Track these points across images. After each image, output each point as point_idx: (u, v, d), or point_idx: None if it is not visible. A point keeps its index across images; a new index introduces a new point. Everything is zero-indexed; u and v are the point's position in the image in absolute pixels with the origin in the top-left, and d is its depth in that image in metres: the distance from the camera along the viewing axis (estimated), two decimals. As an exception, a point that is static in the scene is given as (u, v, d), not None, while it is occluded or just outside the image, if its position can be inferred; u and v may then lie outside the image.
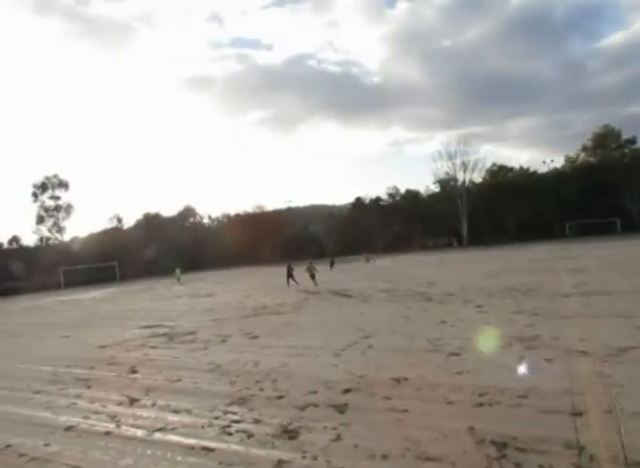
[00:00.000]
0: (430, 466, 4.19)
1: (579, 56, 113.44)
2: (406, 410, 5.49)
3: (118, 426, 5.99)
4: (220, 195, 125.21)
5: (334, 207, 78.94)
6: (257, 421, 5.63)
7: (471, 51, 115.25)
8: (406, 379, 6.65)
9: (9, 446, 5.69)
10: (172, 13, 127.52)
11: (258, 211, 63.97)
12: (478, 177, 62.80)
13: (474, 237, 52.96)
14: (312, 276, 22.50)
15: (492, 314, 11.14)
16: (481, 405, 5.44)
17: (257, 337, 10.97)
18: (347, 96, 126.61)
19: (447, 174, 62.48)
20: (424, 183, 72.22)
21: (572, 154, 63.15)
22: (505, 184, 57.38)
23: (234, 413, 5.96)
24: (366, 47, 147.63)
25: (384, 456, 4.44)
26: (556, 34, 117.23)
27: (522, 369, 6.67)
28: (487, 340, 8.57)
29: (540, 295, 13.30)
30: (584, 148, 62.08)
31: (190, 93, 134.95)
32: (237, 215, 65.65)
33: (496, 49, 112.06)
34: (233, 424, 5.60)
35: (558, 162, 64.41)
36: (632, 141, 59.15)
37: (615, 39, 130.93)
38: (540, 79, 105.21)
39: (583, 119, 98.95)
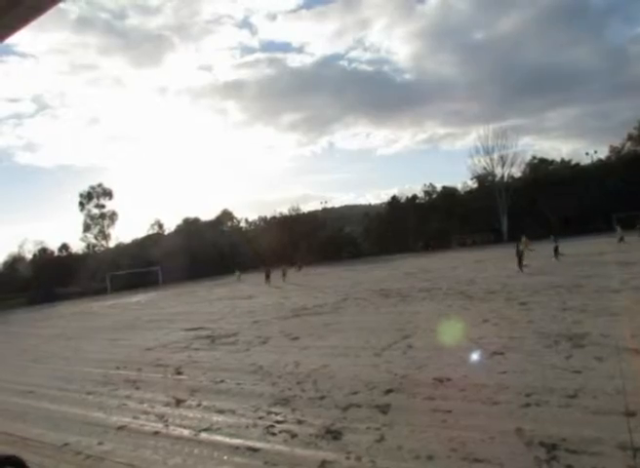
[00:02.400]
0: (478, 467, 4.11)
1: (620, 41, 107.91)
2: (450, 411, 5.41)
3: (166, 426, 6.18)
4: (256, 198, 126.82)
5: (369, 206, 78.48)
6: (300, 422, 5.68)
7: (506, 42, 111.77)
8: (449, 379, 6.55)
9: (67, 444, 5.98)
10: (203, 22, 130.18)
11: (293, 213, 64.48)
12: (517, 172, 60.89)
13: (515, 233, 51.33)
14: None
15: (537, 311, 10.79)
16: (528, 405, 5.29)
17: (297, 338, 11.06)
18: (379, 94, 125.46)
19: (484, 169, 60.92)
20: (461, 180, 70.61)
21: (617, 144, 60.34)
22: (547, 178, 55.31)
23: (277, 414, 6.05)
24: (397, 44, 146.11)
25: (430, 457, 4.39)
26: (595, 20, 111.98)
27: (569, 367, 6.43)
28: (532, 338, 8.31)
29: (587, 292, 12.77)
30: (630, 137, 59.01)
31: (224, 99, 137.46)
32: (273, 218, 66.34)
33: (532, 38, 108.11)
34: (277, 424, 5.68)
35: (602, 153, 61.67)
36: None
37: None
38: (580, 67, 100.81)
39: (628, 107, 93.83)
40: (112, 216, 60.15)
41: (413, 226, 56.12)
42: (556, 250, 23.44)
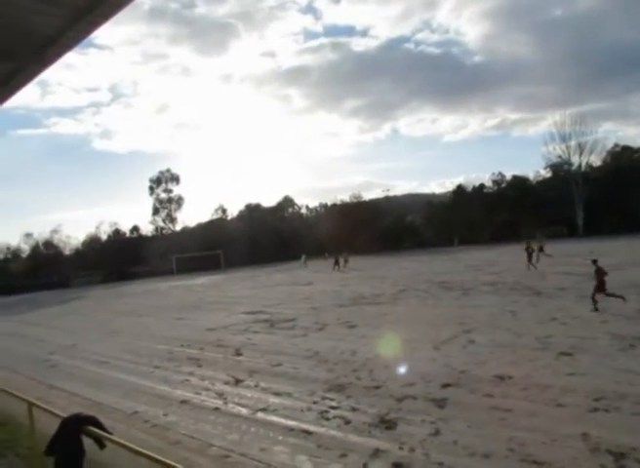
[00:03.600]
0: (537, 470, 3.95)
1: None
2: (510, 410, 5.21)
3: (225, 403, 6.46)
4: (317, 185, 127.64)
5: (433, 195, 76.54)
6: (354, 409, 5.72)
7: (587, 19, 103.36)
8: (510, 377, 6.31)
9: (136, 412, 6.43)
10: (268, 8, 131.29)
11: (355, 200, 64.25)
12: (597, 160, 56.60)
13: (592, 226, 48.09)
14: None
15: (611, 311, 10.09)
16: (597, 410, 4.99)
17: (354, 327, 11.09)
18: (447, 77, 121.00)
19: (560, 157, 57.18)
20: (534, 168, 66.82)
21: None
22: (631, 167, 50.99)
23: (332, 399, 6.12)
24: (466, 25, 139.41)
25: (486, 455, 4.27)
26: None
27: (648, 374, 5.97)
28: (604, 340, 7.79)
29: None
30: None
31: (286, 85, 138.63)
32: (334, 205, 66.45)
33: (615, 15, 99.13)
34: (331, 410, 5.76)
35: (695, 139, 55.96)
36: None
37: None
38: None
39: None
40: (179, 201, 62.87)
41: (479, 217, 54.12)
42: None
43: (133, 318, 17.48)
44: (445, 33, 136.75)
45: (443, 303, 13.43)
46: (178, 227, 63.91)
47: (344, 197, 66.26)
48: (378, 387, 6.48)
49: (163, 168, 65.50)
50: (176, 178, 62.70)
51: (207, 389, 7.23)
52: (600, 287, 10.72)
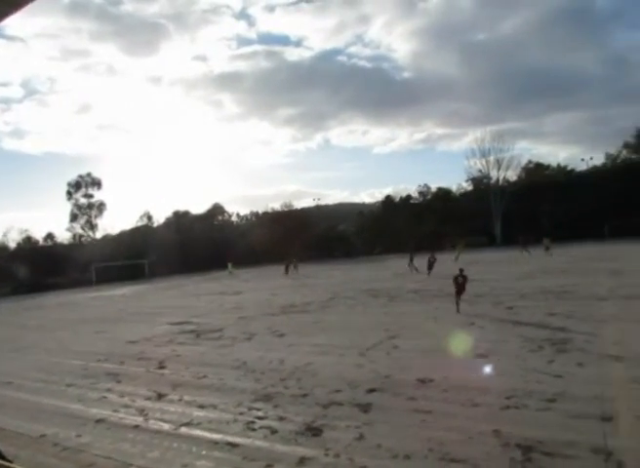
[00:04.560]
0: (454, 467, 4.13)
1: (622, 48, 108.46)
2: (430, 412, 5.43)
3: (146, 420, 6.15)
4: (249, 193, 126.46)
5: (363, 205, 78.58)
6: (281, 418, 5.68)
7: (508, 44, 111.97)
8: (431, 380, 6.58)
9: (43, 435, 5.92)
10: (200, 11, 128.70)
11: (286, 209, 64.34)
12: (513, 175, 61.17)
13: (508, 237, 51.60)
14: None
15: (523, 316, 10.87)
16: (508, 407, 5.33)
17: (283, 335, 11.05)
18: (378, 91, 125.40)
19: (480, 171, 61.13)
20: (457, 181, 70.73)
21: (613, 151, 60.82)
22: (542, 183, 55.58)
23: (259, 410, 6.04)
24: (397, 41, 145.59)
25: (407, 456, 4.41)
26: (599, 25, 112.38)
27: (552, 372, 6.49)
28: (516, 342, 8.37)
29: (574, 298, 12.88)
30: (626, 145, 59.43)
31: (218, 91, 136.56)
32: (266, 213, 66.13)
33: (534, 41, 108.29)
34: (257, 420, 5.67)
35: (598, 159, 62.11)
36: None
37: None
38: (581, 73, 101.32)
39: (627, 114, 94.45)
40: (100, 207, 59.25)
41: (406, 227, 56.24)
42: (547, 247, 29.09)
43: (45, 333, 16.19)
44: (376, 48, 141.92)
45: (370, 310, 13.76)
46: (98, 235, 60.29)
47: (276, 205, 66.25)
48: (305, 395, 6.49)
49: (83, 172, 61.59)
50: (97, 183, 59.18)
51: (126, 406, 6.85)
52: (459, 291, 12.51)
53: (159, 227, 62.33)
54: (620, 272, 17.73)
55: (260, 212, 68.55)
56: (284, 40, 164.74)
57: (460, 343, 8.62)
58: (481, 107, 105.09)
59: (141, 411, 6.50)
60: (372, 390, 6.43)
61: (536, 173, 61.20)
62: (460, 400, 5.73)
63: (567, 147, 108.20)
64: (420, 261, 25.07)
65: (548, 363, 6.93)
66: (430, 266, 23.27)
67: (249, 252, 54.30)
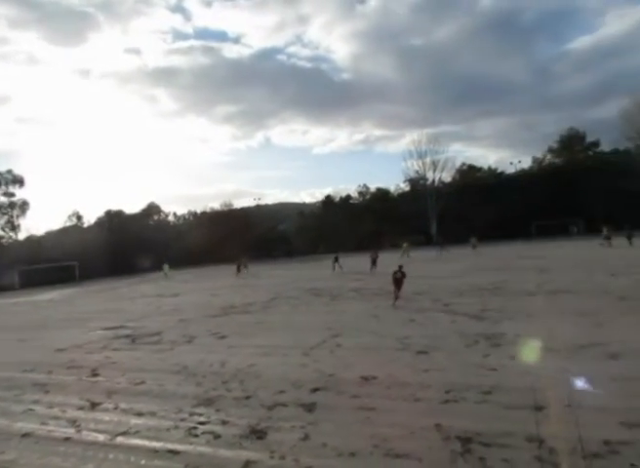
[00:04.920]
0: (398, 463, 4.22)
1: (546, 58, 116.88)
2: (374, 409, 5.51)
3: (78, 431, 5.77)
4: (187, 192, 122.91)
5: (304, 205, 78.82)
6: (224, 422, 5.54)
7: (443, 49, 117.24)
8: (375, 378, 6.69)
9: (-40, 454, 5.39)
10: (132, 1, 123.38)
11: (226, 209, 63.15)
12: (448, 177, 63.94)
13: (443, 236, 53.78)
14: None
15: (460, 312, 11.34)
16: (447, 401, 5.53)
17: (224, 337, 10.82)
18: (318, 91, 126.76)
19: (417, 173, 63.33)
20: (395, 182, 72.95)
21: (539, 155, 65.35)
22: (474, 184, 58.56)
23: (200, 415, 5.85)
24: (336, 43, 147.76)
25: (352, 454, 4.44)
26: (525, 36, 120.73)
27: (487, 365, 6.81)
28: (454, 338, 8.72)
29: (506, 294, 13.65)
30: (551, 150, 64.16)
31: (153, 86, 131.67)
32: (204, 213, 64.54)
33: (467, 48, 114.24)
34: (200, 426, 5.49)
35: (526, 163, 66.47)
36: (596, 144, 61.64)
37: (581, 43, 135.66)
38: (510, 80, 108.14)
39: (551, 121, 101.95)
40: (23, 206, 55.11)
41: (346, 227, 57.07)
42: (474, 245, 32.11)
43: (-40, 341, 14.79)
44: (316, 48, 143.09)
45: (313, 309, 13.81)
46: (21, 236, 56.09)
47: (216, 205, 64.90)
48: (248, 397, 6.37)
49: (3, 168, 57.00)
50: (19, 181, 54.92)
51: (56, 417, 6.39)
52: (397, 287, 13.42)
53: (90, 228, 59.09)
54: (546, 269, 19.02)
55: (199, 211, 66.88)
56: (222, 36, 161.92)
57: (402, 340, 8.85)
58: (417, 110, 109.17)
59: (73, 422, 6.09)
60: (316, 389, 6.43)
61: (469, 175, 64.38)
62: (402, 396, 5.87)
63: (497, 150, 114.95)
64: (357, 260, 25.54)
65: (484, 357, 7.27)
66: (374, 262, 23.95)
67: (187, 252, 52.83)
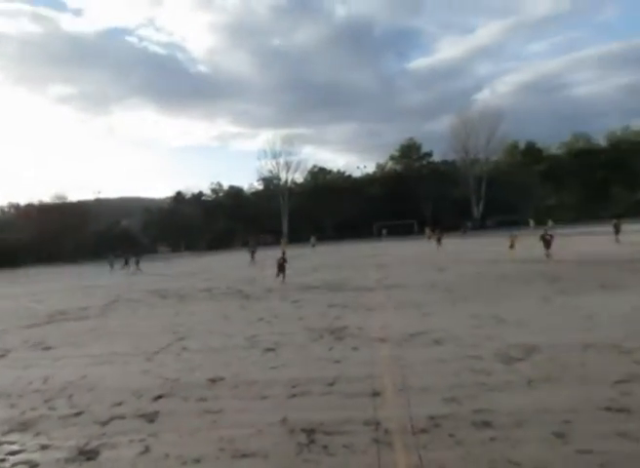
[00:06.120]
0: (244, 463, 4.13)
1: (392, 73, 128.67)
2: (221, 410, 5.34)
3: None
4: (10, 180, 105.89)
5: (151, 200, 74.11)
6: (44, 447, 4.79)
7: (300, 53, 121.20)
8: (222, 379, 6.50)
9: None
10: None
11: (58, 201, 55.95)
12: (300, 178, 66.32)
13: (295, 235, 55.51)
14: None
15: (307, 308, 11.73)
16: (294, 396, 5.62)
17: (49, 348, 9.49)
18: (171, 80, 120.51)
19: (271, 172, 64.29)
20: (249, 180, 73.20)
21: (382, 162, 71.87)
22: (324, 186, 61.77)
23: (13, 443, 4.96)
24: (192, 32, 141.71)
25: (197, 460, 4.23)
26: (375, 50, 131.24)
27: (331, 358, 7.13)
28: (301, 334, 8.96)
29: (349, 290, 14.59)
30: (392, 157, 71.22)
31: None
32: (30, 206, 56.28)
33: (323, 55, 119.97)
34: (9, 457, 4.64)
35: (370, 168, 72.68)
36: (430, 154, 70.60)
37: (420, 63, 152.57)
38: (359, 89, 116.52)
39: (394, 130, 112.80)
40: None
41: (198, 224, 55.26)
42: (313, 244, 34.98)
43: None
44: (170, 35, 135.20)
45: (158, 312, 12.98)
46: None
47: (45, 197, 57.15)
48: (78, 414, 5.65)
49: None
50: None
51: None
52: (281, 270, 17.46)
53: None
54: (384, 265, 20.85)
55: (23, 203, 58.18)
56: (59, 5, 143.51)
57: (250, 339, 8.80)
58: (273, 110, 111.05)
59: None
60: (159, 397, 6.00)
61: (319, 176, 67.81)
62: (249, 395, 5.80)
63: (346, 155, 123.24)
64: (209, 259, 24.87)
65: (329, 350, 7.60)
66: (252, 255, 26.78)
67: (6, 251, 45.58)
